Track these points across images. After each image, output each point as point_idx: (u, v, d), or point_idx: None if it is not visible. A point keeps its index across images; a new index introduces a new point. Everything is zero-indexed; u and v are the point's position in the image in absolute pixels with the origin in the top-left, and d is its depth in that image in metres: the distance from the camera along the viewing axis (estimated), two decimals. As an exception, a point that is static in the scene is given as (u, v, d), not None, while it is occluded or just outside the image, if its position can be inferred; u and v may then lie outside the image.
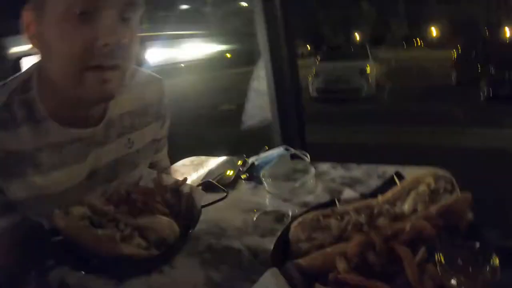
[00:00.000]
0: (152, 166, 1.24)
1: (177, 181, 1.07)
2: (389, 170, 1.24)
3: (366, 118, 7.43)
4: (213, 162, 1.52)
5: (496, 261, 0.59)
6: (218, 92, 9.71)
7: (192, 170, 1.52)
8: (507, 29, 11.54)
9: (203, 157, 1.64)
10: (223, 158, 1.52)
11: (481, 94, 7.62)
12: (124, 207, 0.97)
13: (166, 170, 1.34)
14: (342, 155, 1.29)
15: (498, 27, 12.28)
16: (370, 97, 8.67)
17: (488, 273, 0.58)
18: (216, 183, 1.22)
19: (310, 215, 0.81)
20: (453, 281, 0.58)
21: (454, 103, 7.60)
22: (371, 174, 1.26)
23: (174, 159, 1.61)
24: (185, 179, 1.07)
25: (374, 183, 1.19)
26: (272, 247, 0.88)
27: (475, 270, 0.59)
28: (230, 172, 1.36)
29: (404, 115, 7.28)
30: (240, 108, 3.28)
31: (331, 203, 0.92)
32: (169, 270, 0.88)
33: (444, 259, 0.61)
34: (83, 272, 0.85)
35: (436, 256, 0.61)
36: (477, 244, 0.61)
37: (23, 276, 0.87)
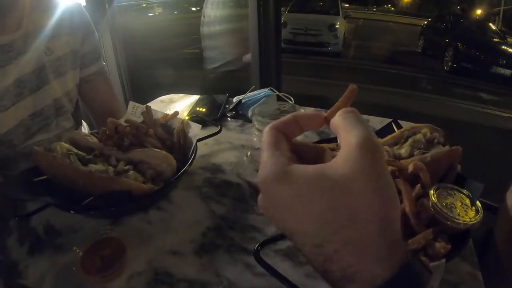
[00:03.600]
0: (87, 81, 1.28)
1: (166, 115, 1.03)
2: (373, 119, 1.28)
3: (331, 72, 7.48)
4: (191, 99, 1.53)
5: (479, 204, 0.65)
6: (180, 35, 9.35)
7: (168, 106, 1.50)
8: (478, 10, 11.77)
9: (181, 95, 1.62)
10: (200, 96, 1.51)
11: (444, 65, 7.85)
12: (111, 142, 0.92)
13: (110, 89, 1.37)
14: (305, 105, 1.31)
15: (471, 5, 12.48)
16: (337, 53, 8.65)
17: (472, 214, 0.63)
18: (207, 119, 1.18)
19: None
20: (443, 215, 0.63)
21: (417, 69, 7.78)
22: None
23: (150, 97, 1.57)
24: (176, 112, 1.02)
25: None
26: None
27: (461, 209, 0.64)
28: (202, 109, 1.37)
29: (368, 73, 7.38)
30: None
31: (334, 140, 0.92)
32: (168, 205, 0.86)
33: (435, 197, 0.65)
34: (72, 212, 0.77)
35: (429, 194, 0.66)
36: (464, 190, 0.68)
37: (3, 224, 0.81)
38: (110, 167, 0.84)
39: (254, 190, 0.90)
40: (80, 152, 0.86)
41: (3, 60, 0.98)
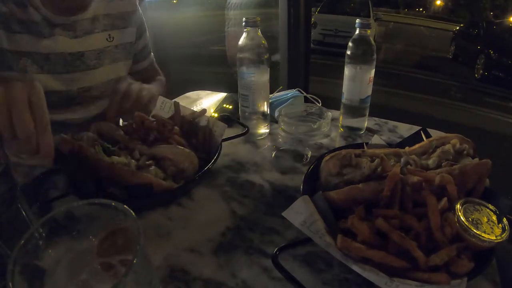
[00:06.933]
0: (140, 72, 1.39)
1: (194, 112, 1.03)
2: (401, 126, 1.26)
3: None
4: (217, 96, 1.54)
5: (506, 222, 0.63)
6: (209, 32, 9.40)
7: (195, 102, 1.52)
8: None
9: (207, 91, 1.63)
10: (227, 94, 1.52)
11: (475, 73, 7.63)
12: (137, 136, 0.94)
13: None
14: (331, 107, 1.30)
15: (505, 11, 11.99)
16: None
17: (498, 232, 0.62)
18: (235, 118, 1.18)
19: (342, 152, 0.79)
20: (468, 231, 0.61)
21: (447, 76, 7.61)
22: (382, 126, 1.26)
23: (176, 93, 1.59)
24: (203, 110, 1.03)
25: (386, 135, 1.19)
26: (293, 184, 0.89)
27: (487, 226, 0.62)
28: (229, 106, 1.37)
29: (397, 78, 7.26)
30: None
31: (359, 146, 0.91)
32: (189, 203, 0.86)
33: (461, 212, 0.63)
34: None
35: (455, 208, 0.64)
36: (491, 206, 0.66)
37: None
38: (133, 161, 0.85)
39: (277, 192, 0.89)
40: (105, 144, 0.88)
41: (69, 32, 1.09)
